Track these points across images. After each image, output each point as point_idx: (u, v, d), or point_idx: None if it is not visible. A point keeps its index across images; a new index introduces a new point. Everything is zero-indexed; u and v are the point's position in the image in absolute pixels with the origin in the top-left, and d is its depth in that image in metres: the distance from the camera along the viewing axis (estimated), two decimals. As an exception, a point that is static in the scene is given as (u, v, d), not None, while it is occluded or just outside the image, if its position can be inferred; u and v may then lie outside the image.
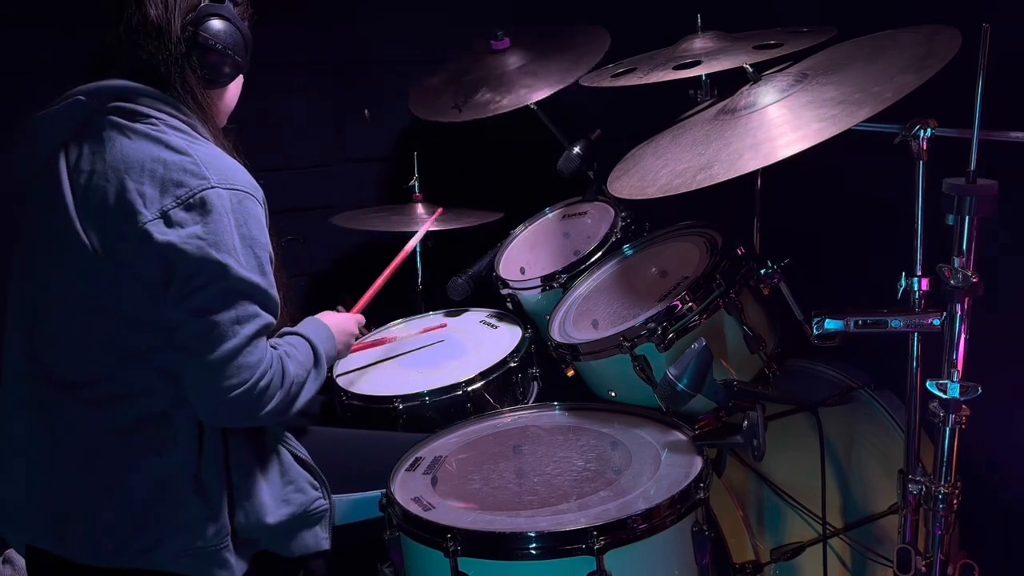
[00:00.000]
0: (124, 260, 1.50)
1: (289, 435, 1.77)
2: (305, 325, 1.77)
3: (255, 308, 1.53)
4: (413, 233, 2.66)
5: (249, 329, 1.51)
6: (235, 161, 1.59)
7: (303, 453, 1.76)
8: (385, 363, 2.29)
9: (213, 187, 1.50)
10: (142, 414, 1.55)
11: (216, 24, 1.59)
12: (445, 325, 2.32)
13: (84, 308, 1.54)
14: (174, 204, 1.49)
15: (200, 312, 1.48)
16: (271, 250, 1.58)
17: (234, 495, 1.63)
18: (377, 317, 2.53)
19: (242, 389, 1.50)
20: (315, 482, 1.74)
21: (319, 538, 1.73)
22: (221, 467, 1.61)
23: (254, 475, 1.66)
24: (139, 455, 1.56)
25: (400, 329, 2.47)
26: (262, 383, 1.52)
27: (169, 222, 1.48)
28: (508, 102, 2.49)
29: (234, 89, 1.72)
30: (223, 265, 1.48)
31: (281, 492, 1.69)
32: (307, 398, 1.64)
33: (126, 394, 1.55)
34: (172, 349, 1.52)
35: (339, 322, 1.88)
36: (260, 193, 1.59)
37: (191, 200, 1.49)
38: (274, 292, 1.57)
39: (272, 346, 1.60)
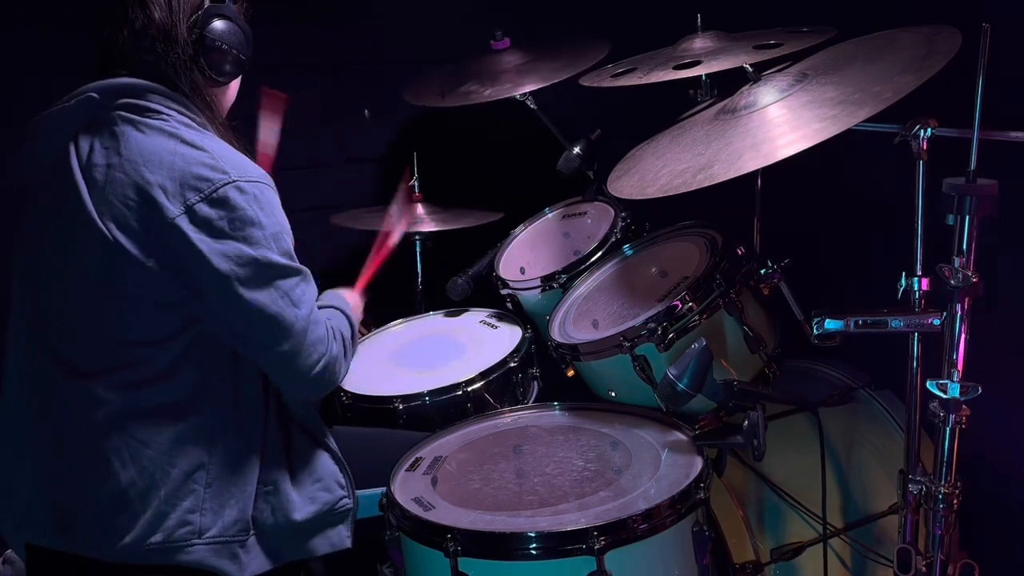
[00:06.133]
0: (152, 251, 1.51)
1: (326, 429, 1.78)
2: (324, 297, 1.82)
3: (302, 285, 1.60)
4: (414, 233, 2.67)
5: (306, 308, 1.59)
6: (243, 155, 1.61)
7: (335, 447, 1.76)
8: (385, 363, 2.29)
9: (233, 181, 1.53)
10: (165, 401, 1.56)
11: (221, 25, 1.61)
12: None
13: (107, 298, 1.54)
14: (197, 199, 1.51)
15: (258, 308, 1.53)
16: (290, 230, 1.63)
17: (260, 490, 1.64)
18: (377, 317, 2.53)
19: (322, 363, 1.62)
20: (342, 480, 1.74)
21: (343, 536, 1.73)
22: (252, 461, 1.63)
23: (283, 471, 1.67)
24: (164, 445, 1.55)
25: (401, 329, 2.47)
26: (334, 350, 1.65)
27: (195, 218, 1.50)
28: (491, 92, 2.48)
29: (235, 84, 1.75)
30: (258, 259, 1.53)
31: (308, 489, 1.69)
32: (352, 353, 1.76)
33: (145, 379, 1.55)
34: (243, 347, 1.60)
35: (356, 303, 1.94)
36: (271, 180, 1.62)
37: (214, 195, 1.51)
38: (305, 267, 1.62)
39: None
